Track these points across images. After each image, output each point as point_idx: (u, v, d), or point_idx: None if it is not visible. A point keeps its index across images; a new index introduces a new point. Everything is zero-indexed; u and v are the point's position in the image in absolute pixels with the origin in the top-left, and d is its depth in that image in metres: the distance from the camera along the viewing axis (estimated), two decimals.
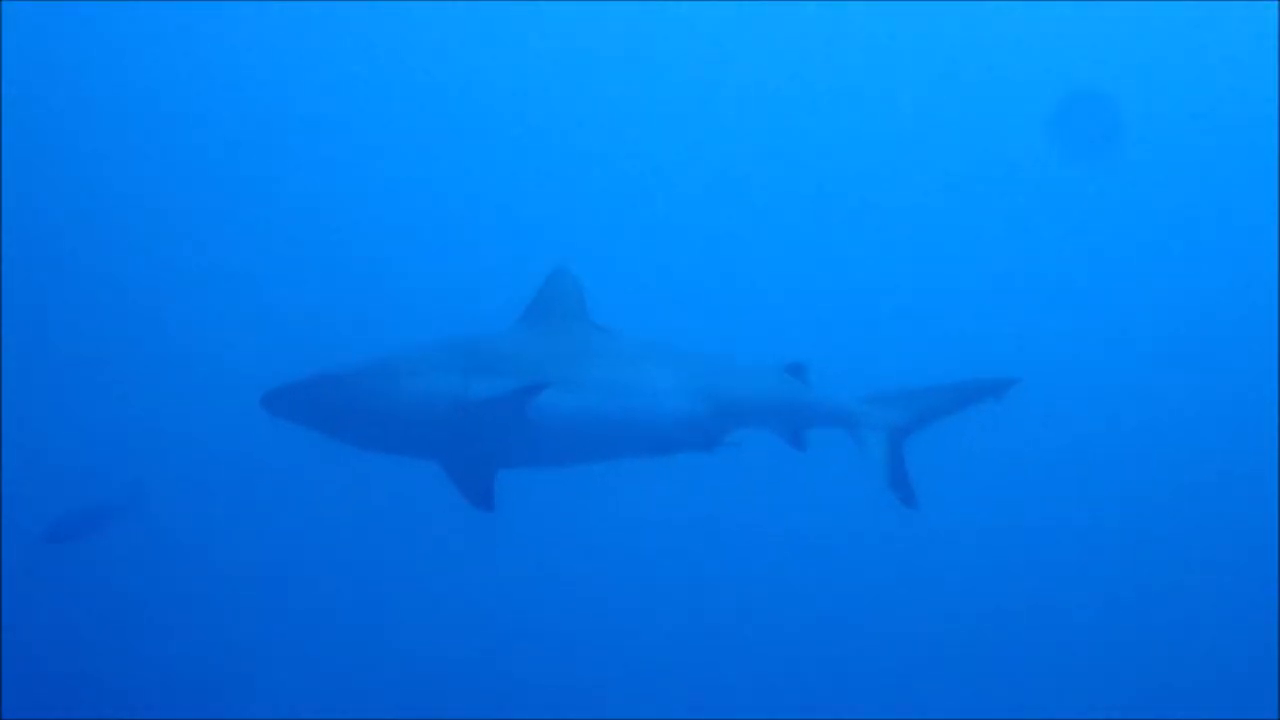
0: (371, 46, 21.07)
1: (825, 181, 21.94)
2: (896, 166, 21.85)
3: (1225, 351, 18.32)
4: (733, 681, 12.45)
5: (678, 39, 22.03)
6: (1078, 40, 20.82)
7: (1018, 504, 15.32)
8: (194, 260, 17.92)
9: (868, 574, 13.89)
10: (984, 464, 15.14)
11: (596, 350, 5.93)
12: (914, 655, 12.84)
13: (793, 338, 14.00)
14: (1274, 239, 19.13)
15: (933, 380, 6.66)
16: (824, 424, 6.60)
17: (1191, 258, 20.41)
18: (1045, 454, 16.05)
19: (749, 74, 22.07)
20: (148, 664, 11.54)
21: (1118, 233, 20.85)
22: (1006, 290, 19.85)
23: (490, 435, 5.53)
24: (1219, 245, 20.30)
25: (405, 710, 11.34)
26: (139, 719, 10.81)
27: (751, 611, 13.44)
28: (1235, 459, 15.74)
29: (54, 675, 11.09)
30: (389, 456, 5.72)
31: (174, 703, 11.11)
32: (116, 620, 12.02)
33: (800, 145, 22.22)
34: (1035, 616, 13.54)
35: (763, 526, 14.50)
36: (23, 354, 14.87)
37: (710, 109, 22.20)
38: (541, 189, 21.00)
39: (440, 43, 21.35)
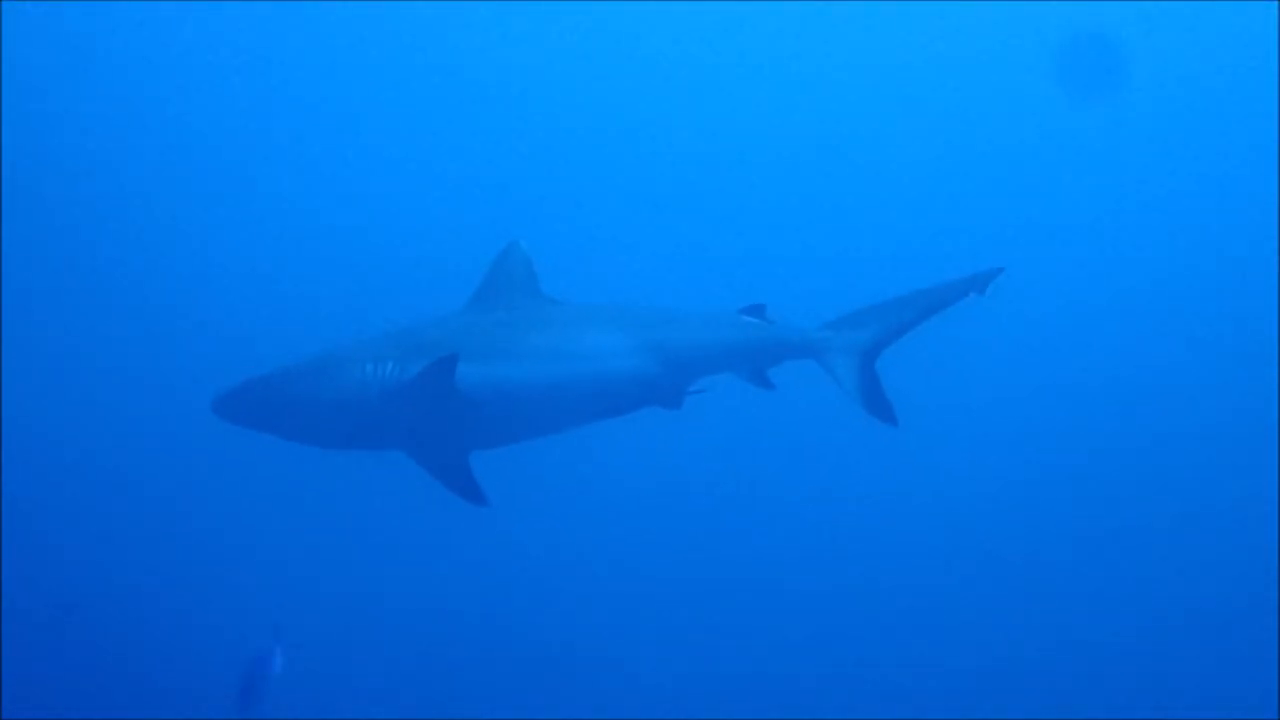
0: (364, 42, 21.09)
1: (829, 121, 21.84)
2: (900, 108, 21.77)
3: (1229, 298, 18.34)
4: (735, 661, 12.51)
5: None
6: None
7: (1012, 485, 15.35)
8: (195, 258, 17.91)
9: (856, 566, 13.93)
10: (980, 439, 15.20)
11: (541, 320, 5.88)
12: (913, 654, 12.84)
13: (797, 287, 14.06)
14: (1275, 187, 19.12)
15: (897, 292, 6.40)
16: (789, 358, 6.39)
17: (1195, 201, 20.35)
18: (1043, 415, 16.08)
19: (746, 23, 22.06)
20: (149, 663, 11.54)
21: (1121, 174, 20.81)
22: (1008, 235, 19.70)
23: (435, 417, 5.47)
24: (1223, 189, 20.28)
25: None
26: (142, 719, 10.80)
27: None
28: (1237, 425, 15.79)
29: (54, 675, 11.09)
30: (351, 451, 5.69)
31: (181, 703, 11.11)
32: (118, 620, 12.01)
33: (802, 86, 22.11)
34: (1035, 616, 13.54)
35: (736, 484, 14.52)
36: (23, 353, 14.86)
37: (707, 59, 22.12)
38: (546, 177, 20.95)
39: (431, 37, 21.38)
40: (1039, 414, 16.76)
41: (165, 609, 12.37)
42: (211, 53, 19.97)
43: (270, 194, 19.51)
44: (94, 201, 18.34)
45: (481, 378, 5.46)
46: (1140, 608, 13.60)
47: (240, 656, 8.77)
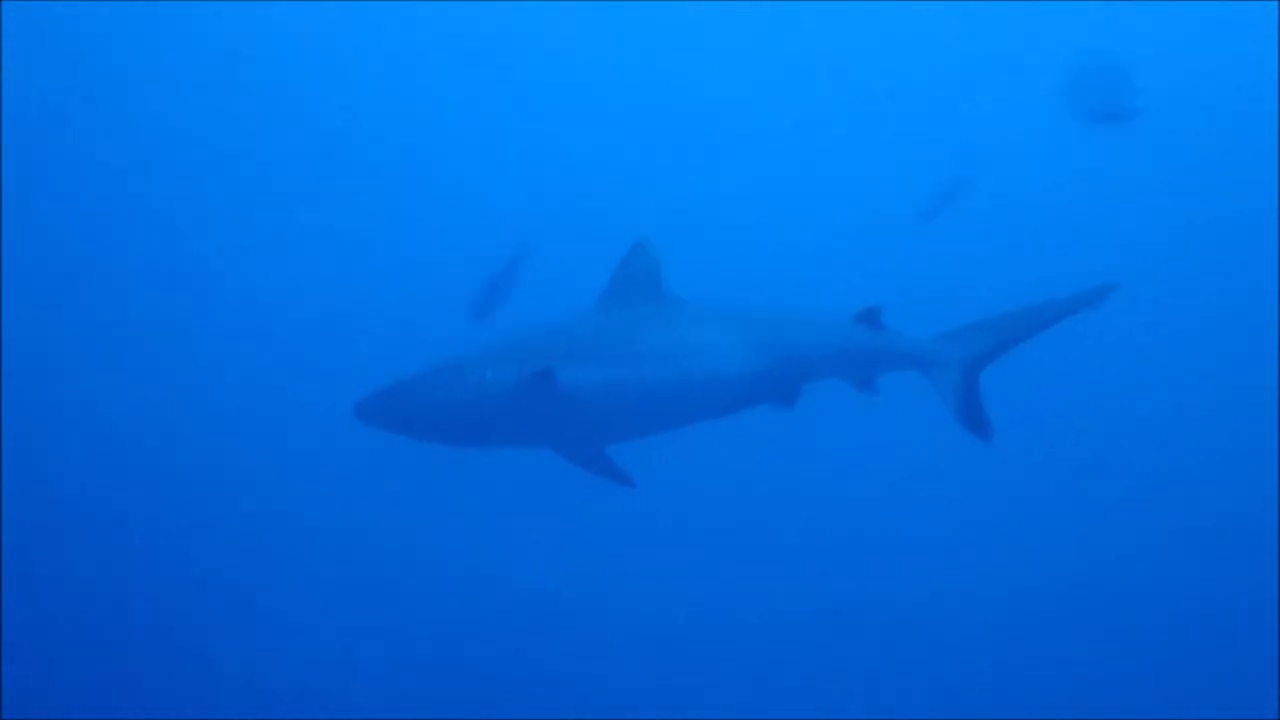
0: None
1: (842, 152, 21.89)
2: (914, 127, 21.81)
3: (1241, 314, 18.30)
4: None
5: None
6: (1091, 9, 20.85)
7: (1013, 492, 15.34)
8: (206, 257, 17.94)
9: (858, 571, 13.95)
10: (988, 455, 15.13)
11: (662, 320, 6.10)
12: (910, 653, 12.85)
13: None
14: None
15: (1003, 309, 6.57)
16: (897, 367, 6.57)
17: (1206, 226, 20.34)
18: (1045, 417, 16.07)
19: (764, 56, 22.13)
20: (148, 664, 11.54)
21: (1133, 201, 20.83)
22: (1019, 252, 19.72)
23: (548, 418, 5.75)
24: (1235, 214, 20.27)
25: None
26: (146, 719, 10.81)
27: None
28: (1241, 439, 15.78)
29: (54, 675, 11.09)
30: (490, 450, 6.03)
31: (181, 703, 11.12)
32: (119, 620, 12.01)
33: (811, 120, 22.16)
34: (1034, 616, 13.54)
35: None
36: (23, 353, 14.87)
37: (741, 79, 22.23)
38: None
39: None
40: (1040, 414, 16.76)
41: (164, 609, 12.38)
42: (211, 51, 19.97)
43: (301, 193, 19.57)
44: (94, 200, 18.34)
45: (591, 380, 5.76)
46: (1140, 608, 13.59)
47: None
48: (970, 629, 13.16)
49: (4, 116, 17.15)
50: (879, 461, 15.16)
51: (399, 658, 12.30)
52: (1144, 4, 20.58)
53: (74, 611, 11.97)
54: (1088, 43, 20.02)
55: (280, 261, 18.17)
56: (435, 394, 5.78)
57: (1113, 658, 12.91)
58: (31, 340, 15.26)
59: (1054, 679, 12.60)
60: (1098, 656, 12.98)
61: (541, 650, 12.39)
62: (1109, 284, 6.34)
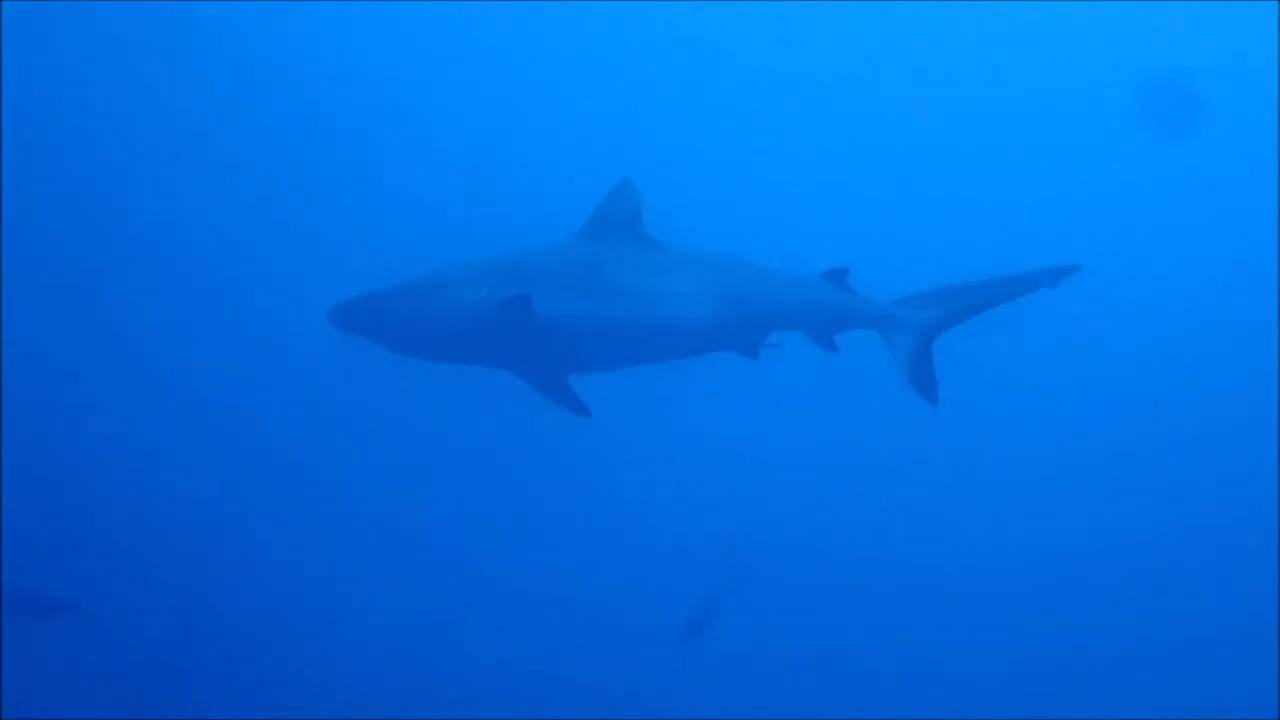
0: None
1: (916, 160, 21.95)
2: (985, 145, 21.97)
3: (1242, 314, 18.32)
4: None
5: None
6: (1160, 24, 21.10)
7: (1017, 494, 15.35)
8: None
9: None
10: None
11: (633, 260, 6.24)
12: (911, 654, 12.85)
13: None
14: None
15: (967, 278, 6.72)
16: (857, 326, 6.72)
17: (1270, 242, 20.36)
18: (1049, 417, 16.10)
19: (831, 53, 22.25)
20: (149, 663, 11.55)
21: (1200, 214, 20.90)
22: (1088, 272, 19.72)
23: (519, 341, 5.89)
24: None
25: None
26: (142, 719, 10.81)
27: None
28: (1236, 425, 15.79)
29: (54, 675, 11.10)
30: (458, 366, 6.19)
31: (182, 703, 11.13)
32: (118, 620, 12.01)
33: (888, 130, 22.23)
34: (1034, 616, 13.54)
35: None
36: (24, 351, 14.87)
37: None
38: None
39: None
40: (1043, 415, 16.78)
41: (165, 609, 12.38)
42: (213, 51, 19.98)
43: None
44: (94, 199, 18.34)
45: (564, 309, 5.88)
46: (1140, 607, 13.60)
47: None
48: (970, 629, 13.16)
49: (4, 116, 17.15)
50: (877, 462, 15.18)
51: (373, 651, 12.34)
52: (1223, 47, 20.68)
53: (74, 611, 11.96)
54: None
55: (280, 261, 18.16)
56: (413, 305, 5.88)
57: (1113, 657, 12.91)
58: (31, 340, 15.26)
59: (1054, 679, 12.60)
60: (1098, 656, 12.98)
61: (539, 646, 12.44)
62: (1070, 266, 6.51)
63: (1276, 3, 20.35)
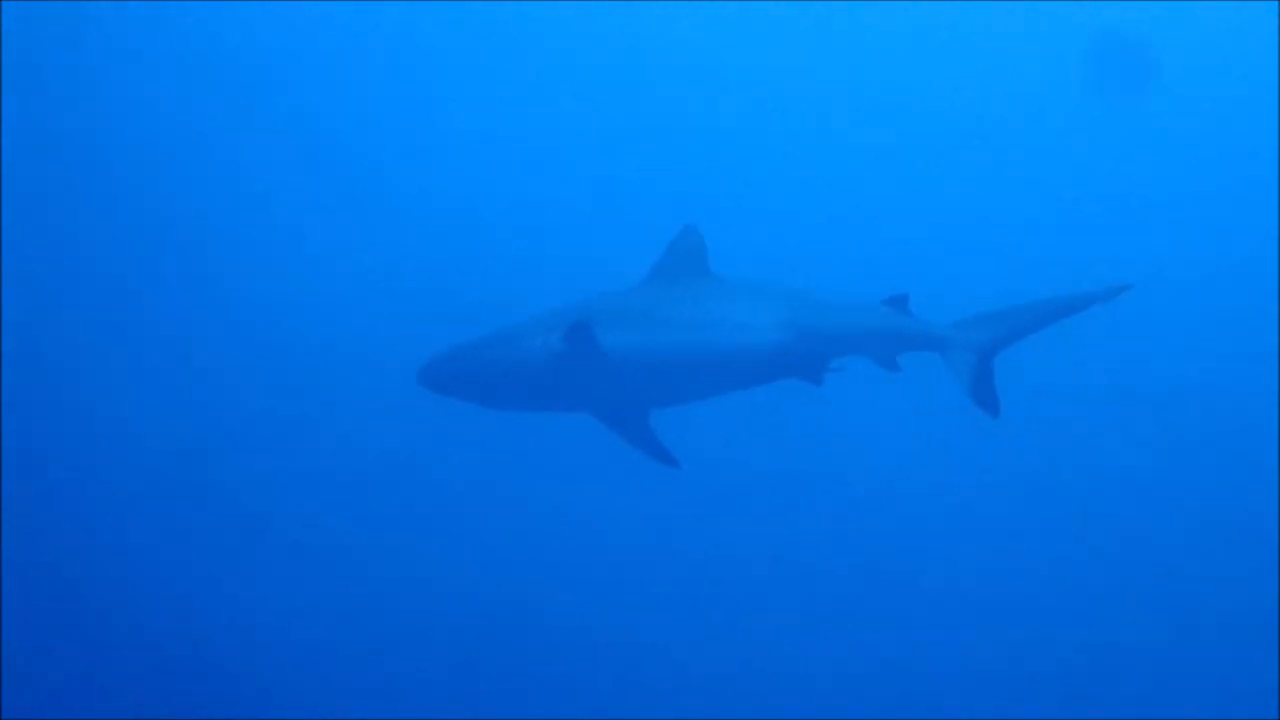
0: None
1: (857, 122, 21.86)
2: (925, 108, 21.69)
3: (1253, 295, 18.27)
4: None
5: None
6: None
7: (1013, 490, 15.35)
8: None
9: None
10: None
11: (701, 294, 6.51)
12: (910, 653, 12.85)
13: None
14: None
15: (1022, 300, 6.99)
16: (918, 348, 6.96)
17: (1220, 202, 20.27)
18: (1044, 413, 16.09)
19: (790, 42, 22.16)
20: (148, 664, 11.54)
21: (1148, 175, 20.82)
22: (1035, 232, 19.70)
23: (589, 380, 6.13)
24: (1250, 191, 20.22)
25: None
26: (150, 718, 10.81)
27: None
28: (1237, 426, 15.77)
29: (54, 675, 11.10)
30: (544, 413, 6.53)
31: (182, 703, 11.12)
32: (117, 620, 12.01)
33: (832, 90, 22.10)
34: (1034, 616, 13.54)
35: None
36: (24, 351, 14.88)
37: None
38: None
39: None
40: (1039, 411, 16.75)
41: (164, 609, 12.38)
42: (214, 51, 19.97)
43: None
44: (95, 199, 18.35)
45: (629, 344, 6.13)
46: (1140, 607, 13.59)
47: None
48: (970, 629, 13.15)
49: (4, 116, 17.16)
50: (887, 462, 15.19)
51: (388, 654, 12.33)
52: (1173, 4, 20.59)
53: (74, 611, 11.97)
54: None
55: (281, 261, 18.17)
56: (490, 357, 6.15)
57: (1113, 657, 12.91)
58: (31, 340, 15.26)
59: (1054, 678, 12.60)
60: (1098, 656, 12.98)
61: (547, 645, 12.44)
62: (1123, 284, 6.75)
63: None
